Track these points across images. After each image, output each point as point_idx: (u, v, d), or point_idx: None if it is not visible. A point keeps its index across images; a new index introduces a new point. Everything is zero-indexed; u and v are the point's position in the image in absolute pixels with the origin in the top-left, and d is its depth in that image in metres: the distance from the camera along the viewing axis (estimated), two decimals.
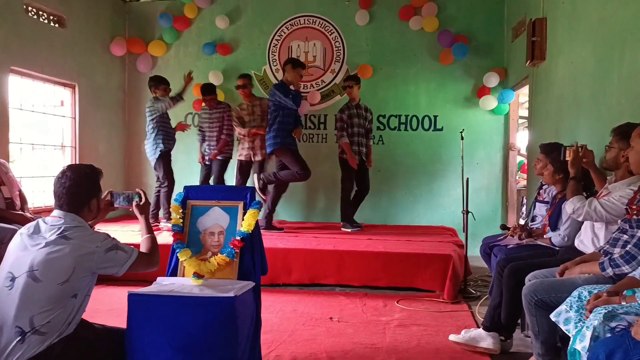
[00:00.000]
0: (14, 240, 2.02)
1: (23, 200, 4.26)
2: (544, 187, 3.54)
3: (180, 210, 2.50)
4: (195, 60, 6.56)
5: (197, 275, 2.30)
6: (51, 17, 5.44)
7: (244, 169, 5.62)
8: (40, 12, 5.28)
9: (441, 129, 6.25)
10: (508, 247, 3.40)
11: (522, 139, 6.66)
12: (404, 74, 6.29)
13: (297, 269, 4.21)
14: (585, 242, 2.66)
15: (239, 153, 5.66)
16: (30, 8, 5.12)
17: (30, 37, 5.04)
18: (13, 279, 1.89)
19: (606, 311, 1.67)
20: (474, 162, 6.03)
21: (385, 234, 5.03)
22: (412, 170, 6.31)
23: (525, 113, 5.60)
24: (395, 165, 6.32)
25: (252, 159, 5.56)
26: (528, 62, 4.58)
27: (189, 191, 2.59)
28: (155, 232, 2.32)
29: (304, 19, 6.49)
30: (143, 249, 2.20)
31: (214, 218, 2.52)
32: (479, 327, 2.97)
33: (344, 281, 4.18)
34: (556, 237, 3.08)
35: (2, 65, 4.70)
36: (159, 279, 2.35)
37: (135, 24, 6.70)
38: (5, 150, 4.64)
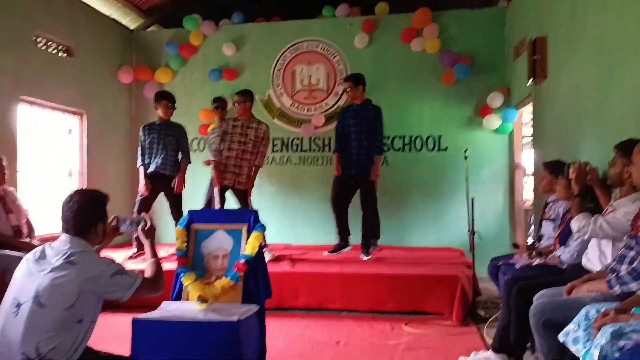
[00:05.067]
0: (20, 266, 2.03)
1: (30, 228, 4.29)
2: (550, 204, 3.52)
3: (185, 234, 2.51)
4: (201, 86, 6.67)
5: (202, 300, 2.30)
6: (60, 47, 5.57)
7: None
8: (50, 43, 5.41)
9: (445, 149, 6.26)
10: (516, 266, 3.36)
11: (527, 157, 6.65)
12: (406, 94, 6.34)
13: (304, 292, 4.18)
14: (592, 259, 2.63)
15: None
16: (40, 39, 5.25)
17: (39, 67, 5.16)
18: (19, 305, 1.90)
19: (614, 329, 1.64)
20: (479, 182, 6.00)
21: (391, 255, 4.99)
22: (417, 190, 6.30)
23: (530, 132, 5.60)
24: (400, 186, 6.31)
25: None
26: (530, 81, 4.60)
27: (193, 215, 2.61)
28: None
29: (307, 43, 6.60)
30: (148, 273, 2.20)
31: (218, 241, 2.52)
32: (488, 350, 2.92)
33: (351, 305, 4.14)
34: (565, 254, 3.05)
35: (12, 96, 4.80)
36: (163, 303, 2.35)
37: (142, 52, 6.84)
38: (14, 178, 4.69)
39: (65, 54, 5.64)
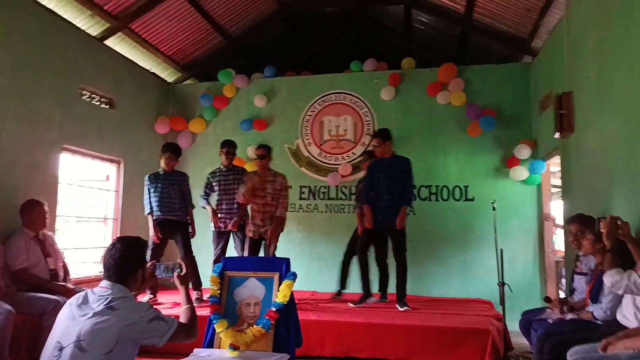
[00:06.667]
0: (64, 309, 2.11)
1: (66, 271, 4.44)
2: (581, 258, 3.48)
3: (219, 282, 2.58)
4: (232, 135, 6.85)
5: (233, 347, 2.34)
6: (102, 99, 5.90)
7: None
8: (93, 95, 5.75)
9: (472, 199, 6.26)
10: (548, 321, 3.30)
11: (556, 208, 6.57)
12: (433, 145, 6.43)
13: (331, 341, 4.14)
14: (627, 316, 2.58)
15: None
16: (84, 92, 5.59)
17: (83, 117, 5.46)
18: (61, 349, 1.96)
19: None
20: (508, 233, 5.94)
21: (419, 306, 4.92)
22: (444, 240, 6.26)
23: (559, 182, 5.58)
24: (427, 235, 6.28)
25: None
26: (557, 134, 4.64)
27: (227, 262, 2.69)
28: None
29: (335, 96, 6.82)
30: (183, 319, 2.25)
31: (250, 289, 2.59)
32: None
33: (378, 355, 4.06)
34: (599, 311, 2.99)
35: (56, 145, 5.07)
36: (195, 350, 2.40)
37: (179, 103, 7.18)
38: (53, 223, 4.89)
39: (107, 106, 5.97)
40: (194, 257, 5.09)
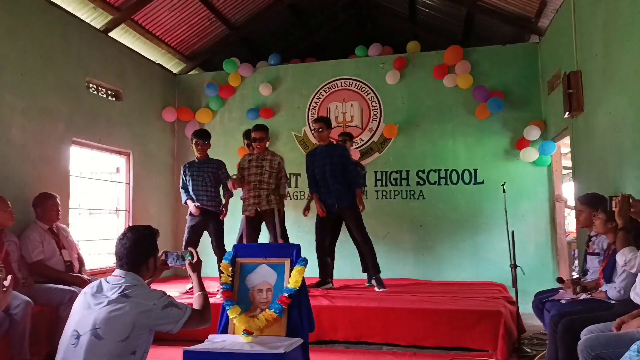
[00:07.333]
0: (79, 299, 2.14)
1: (81, 262, 4.49)
2: (593, 238, 3.46)
3: (230, 269, 2.60)
4: (239, 125, 6.91)
5: (247, 332, 2.36)
6: (109, 92, 5.92)
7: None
8: (100, 88, 5.77)
9: (482, 182, 6.23)
10: (561, 301, 3.29)
11: (568, 189, 6.53)
12: (441, 129, 6.40)
13: (343, 326, 4.17)
14: None
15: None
16: (91, 85, 5.60)
17: (90, 110, 5.48)
18: (78, 337, 2.00)
19: None
20: (518, 215, 5.91)
21: (430, 290, 4.93)
22: (454, 224, 6.25)
23: (569, 163, 5.53)
24: (437, 219, 6.29)
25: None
26: (566, 114, 4.59)
27: (238, 250, 2.71)
28: None
29: (341, 82, 6.79)
30: (196, 305, 2.28)
31: (262, 275, 2.61)
32: None
33: (390, 339, 4.08)
34: (612, 291, 2.98)
35: (65, 138, 5.10)
36: (210, 336, 2.43)
37: (185, 93, 7.19)
38: (66, 215, 4.94)
39: (114, 98, 5.99)
40: (225, 249, 4.92)
